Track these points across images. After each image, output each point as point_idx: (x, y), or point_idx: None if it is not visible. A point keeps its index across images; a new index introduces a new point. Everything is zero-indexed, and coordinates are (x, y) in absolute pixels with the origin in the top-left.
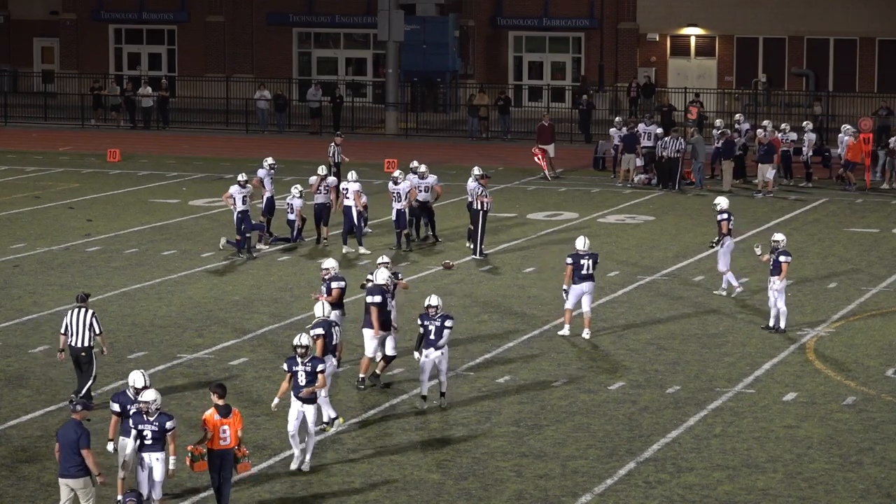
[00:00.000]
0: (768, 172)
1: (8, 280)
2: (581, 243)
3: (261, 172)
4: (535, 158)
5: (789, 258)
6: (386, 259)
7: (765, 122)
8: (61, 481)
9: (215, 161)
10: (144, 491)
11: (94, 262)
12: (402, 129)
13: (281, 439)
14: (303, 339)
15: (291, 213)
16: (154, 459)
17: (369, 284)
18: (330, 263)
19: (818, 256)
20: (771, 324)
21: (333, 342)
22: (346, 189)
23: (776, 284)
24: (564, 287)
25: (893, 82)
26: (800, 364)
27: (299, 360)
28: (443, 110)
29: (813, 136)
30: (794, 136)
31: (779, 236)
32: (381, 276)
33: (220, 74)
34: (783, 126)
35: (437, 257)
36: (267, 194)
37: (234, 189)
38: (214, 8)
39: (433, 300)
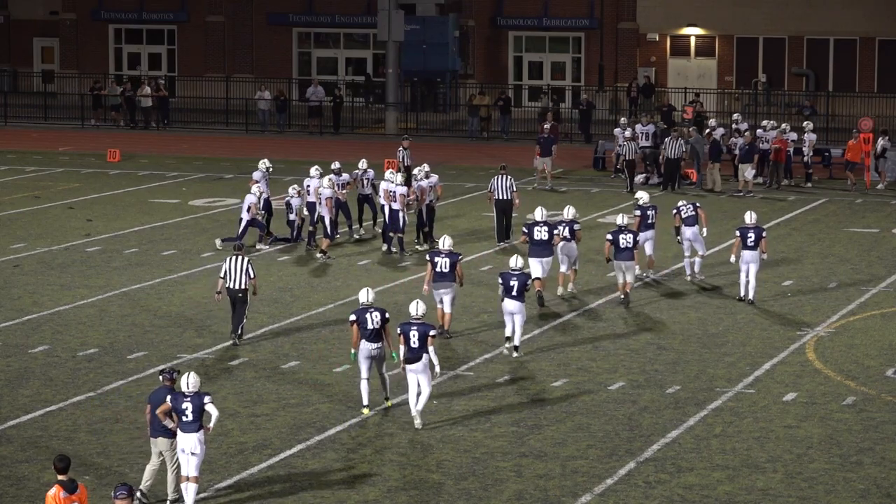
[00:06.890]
0: (747, 172)
1: (8, 280)
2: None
3: (256, 175)
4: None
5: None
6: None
7: (764, 122)
8: (152, 441)
9: (215, 161)
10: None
11: (94, 262)
12: (403, 129)
13: (281, 439)
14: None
15: (291, 213)
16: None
17: None
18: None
19: (818, 256)
20: (742, 294)
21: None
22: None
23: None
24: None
25: (893, 82)
26: (800, 364)
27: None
28: (443, 110)
29: (813, 136)
30: (794, 136)
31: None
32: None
33: (220, 74)
34: (783, 126)
35: None
36: (264, 196)
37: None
38: (214, 8)
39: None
